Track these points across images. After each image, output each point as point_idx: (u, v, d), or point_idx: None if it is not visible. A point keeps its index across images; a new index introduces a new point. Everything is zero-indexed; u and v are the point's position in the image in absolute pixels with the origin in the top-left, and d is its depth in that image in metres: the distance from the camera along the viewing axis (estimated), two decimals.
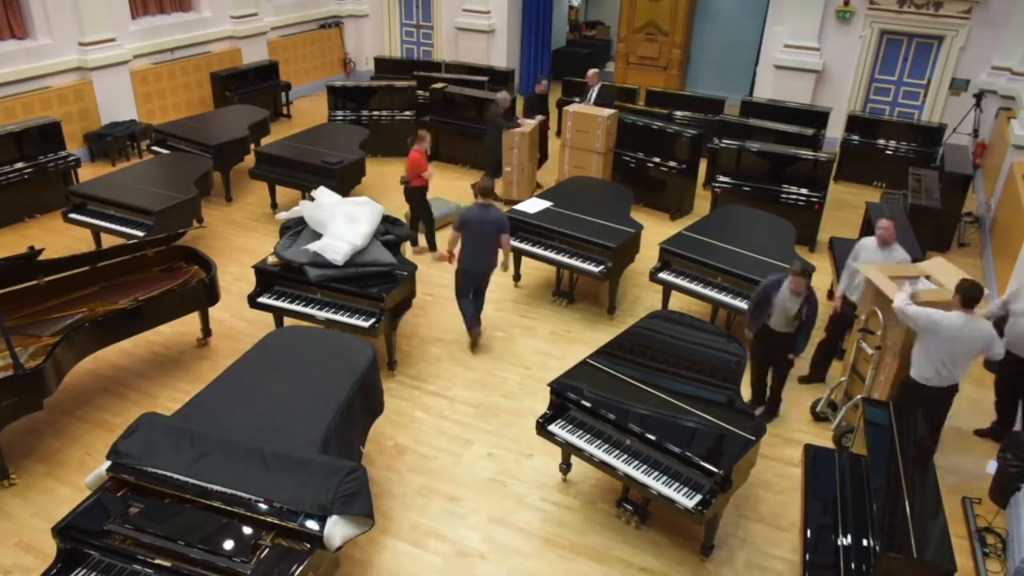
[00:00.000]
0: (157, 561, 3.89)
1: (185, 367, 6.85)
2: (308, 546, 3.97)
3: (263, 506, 4.07)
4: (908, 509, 4.31)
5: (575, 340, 7.40)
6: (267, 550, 3.94)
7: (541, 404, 5.52)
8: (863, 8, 11.88)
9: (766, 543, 5.23)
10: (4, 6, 10.09)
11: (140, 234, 7.83)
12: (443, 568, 4.94)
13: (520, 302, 8.11)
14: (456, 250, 6.98)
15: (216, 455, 4.30)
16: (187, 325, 7.04)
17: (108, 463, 4.31)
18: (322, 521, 4.01)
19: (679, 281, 7.40)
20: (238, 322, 7.45)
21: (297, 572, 3.82)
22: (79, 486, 5.36)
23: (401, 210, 9.31)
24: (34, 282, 6.03)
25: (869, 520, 4.50)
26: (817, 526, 4.66)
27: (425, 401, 6.52)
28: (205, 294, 6.78)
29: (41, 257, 6.05)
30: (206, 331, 7.12)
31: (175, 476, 4.20)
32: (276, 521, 4.03)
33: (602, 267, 7.47)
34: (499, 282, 8.41)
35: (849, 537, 4.52)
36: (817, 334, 6.67)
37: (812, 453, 5.22)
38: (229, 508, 4.08)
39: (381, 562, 4.96)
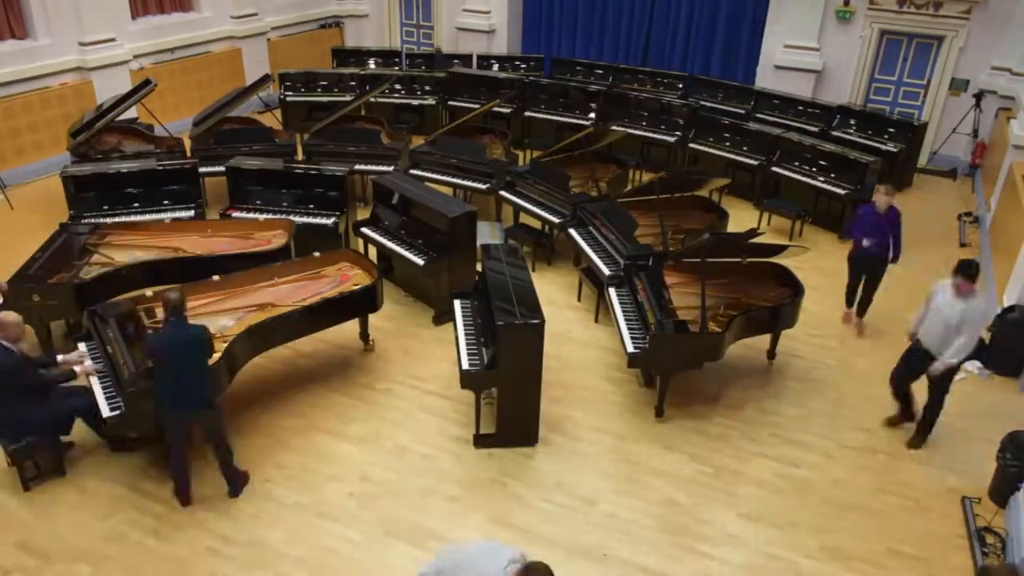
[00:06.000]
0: None
1: None
2: None
3: None
4: None
5: (575, 340, 7.40)
6: None
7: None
8: (863, 8, 11.87)
9: (766, 543, 5.25)
10: (4, 6, 10.09)
11: None
12: None
13: None
14: None
15: None
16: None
17: None
18: None
19: None
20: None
21: None
22: (81, 486, 5.38)
23: None
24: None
25: None
26: None
27: (425, 401, 6.52)
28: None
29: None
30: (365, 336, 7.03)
31: None
32: None
33: None
34: None
35: None
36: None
37: None
38: None
39: (381, 562, 4.97)
